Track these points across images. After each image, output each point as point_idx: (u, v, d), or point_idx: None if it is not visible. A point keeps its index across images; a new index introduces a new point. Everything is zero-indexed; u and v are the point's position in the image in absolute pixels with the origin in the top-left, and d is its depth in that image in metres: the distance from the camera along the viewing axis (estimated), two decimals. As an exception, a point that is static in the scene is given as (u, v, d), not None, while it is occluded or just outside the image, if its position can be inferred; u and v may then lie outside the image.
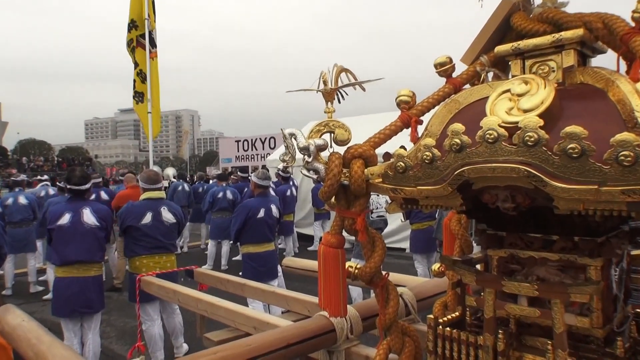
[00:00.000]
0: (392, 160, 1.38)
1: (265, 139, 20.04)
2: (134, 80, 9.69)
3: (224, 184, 10.04)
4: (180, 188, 11.29)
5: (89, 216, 4.43)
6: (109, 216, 4.67)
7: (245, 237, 5.43)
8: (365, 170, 1.43)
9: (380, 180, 1.40)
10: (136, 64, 9.59)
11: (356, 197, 1.48)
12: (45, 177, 10.67)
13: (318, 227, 11.15)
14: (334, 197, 1.52)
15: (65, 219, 4.35)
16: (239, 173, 11.52)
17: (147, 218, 4.51)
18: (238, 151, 21.18)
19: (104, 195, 8.45)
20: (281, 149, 13.25)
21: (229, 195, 9.58)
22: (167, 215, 4.65)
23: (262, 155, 19.64)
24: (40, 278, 8.49)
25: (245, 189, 9.79)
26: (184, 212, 10.49)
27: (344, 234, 1.57)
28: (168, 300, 3.87)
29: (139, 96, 9.63)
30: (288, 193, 9.78)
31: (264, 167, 14.17)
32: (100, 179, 9.25)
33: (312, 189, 10.75)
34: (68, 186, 4.49)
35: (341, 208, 1.52)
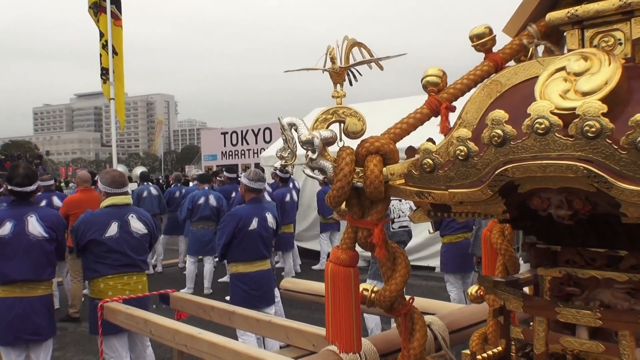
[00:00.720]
0: (417, 156, 1.38)
1: (259, 130, 20.08)
2: (100, 55, 9.75)
3: (207, 187, 10.07)
4: (145, 193, 11.20)
5: (34, 225, 4.43)
6: (60, 224, 4.68)
7: (234, 254, 5.44)
8: (384, 169, 1.44)
9: (403, 181, 1.40)
10: (101, 34, 9.64)
11: (373, 203, 1.48)
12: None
13: (325, 240, 11.17)
14: (344, 203, 1.53)
15: (6, 229, 4.36)
16: (225, 173, 11.56)
17: (113, 229, 4.52)
18: (225, 146, 21.23)
19: (56, 201, 8.45)
20: (279, 143, 13.26)
21: (213, 201, 9.61)
22: (137, 225, 4.67)
23: (255, 151, 19.67)
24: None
25: (234, 194, 9.81)
26: (155, 221, 10.52)
27: (358, 248, 1.58)
28: (138, 333, 3.89)
29: (106, 73, 9.70)
30: (287, 198, 9.80)
31: (257, 165, 14.20)
32: (53, 181, 9.27)
33: (317, 193, 10.75)
34: (9, 187, 4.51)
35: (354, 217, 1.52)
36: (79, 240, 4.55)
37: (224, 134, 21.68)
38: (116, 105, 9.81)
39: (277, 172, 10.15)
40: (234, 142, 20.90)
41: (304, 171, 1.54)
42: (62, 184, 24.56)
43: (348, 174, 1.45)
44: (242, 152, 20.64)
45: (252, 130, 20.34)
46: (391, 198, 1.54)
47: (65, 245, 4.84)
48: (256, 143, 20.04)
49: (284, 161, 1.54)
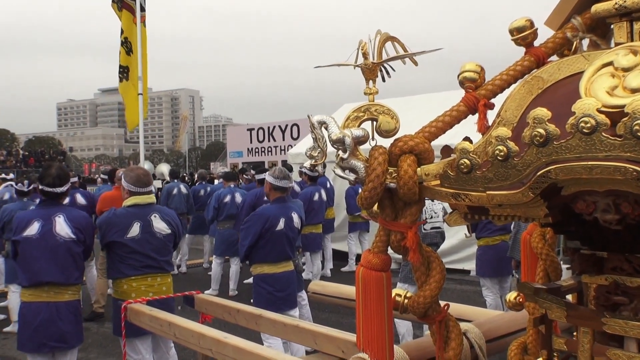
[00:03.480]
0: (453, 156, 1.37)
1: (286, 126, 20.15)
2: (120, 52, 9.86)
3: (233, 185, 10.15)
4: (175, 191, 11.45)
5: (62, 226, 4.50)
6: (88, 226, 4.74)
7: (260, 255, 5.46)
8: (418, 169, 1.43)
9: (438, 182, 1.40)
10: (121, 30, 9.74)
11: (406, 205, 1.48)
12: (11, 175, 10.92)
13: (353, 240, 11.15)
14: (376, 205, 1.53)
15: (34, 228, 4.44)
16: (252, 172, 11.62)
17: (135, 230, 4.58)
18: (251, 142, 21.37)
19: (80, 199, 8.61)
20: (307, 141, 13.29)
21: (239, 199, 9.67)
22: (160, 225, 4.72)
23: (282, 148, 19.75)
24: (0, 304, 8.74)
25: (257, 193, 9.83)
26: (182, 220, 10.65)
27: (390, 251, 1.57)
28: (162, 335, 3.94)
29: (123, 72, 9.78)
30: (316, 197, 9.80)
31: (284, 163, 14.24)
32: (77, 179, 9.46)
33: (346, 190, 10.75)
34: (40, 187, 4.60)
35: (386, 219, 1.52)
36: (102, 239, 4.64)
37: (250, 130, 21.82)
38: (127, 106, 9.89)
39: (305, 170, 10.16)
40: (261, 138, 21.01)
41: (334, 171, 1.54)
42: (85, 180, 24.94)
43: (380, 175, 1.45)
44: (269, 149, 20.74)
45: (279, 127, 20.41)
46: (425, 199, 1.53)
47: (91, 249, 4.89)
48: (283, 140, 20.11)
49: (313, 161, 1.55)
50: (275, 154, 20.33)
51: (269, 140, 20.79)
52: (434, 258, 1.58)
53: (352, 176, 1.51)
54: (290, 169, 10.46)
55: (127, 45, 9.67)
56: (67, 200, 8.18)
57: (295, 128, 19.77)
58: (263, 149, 20.96)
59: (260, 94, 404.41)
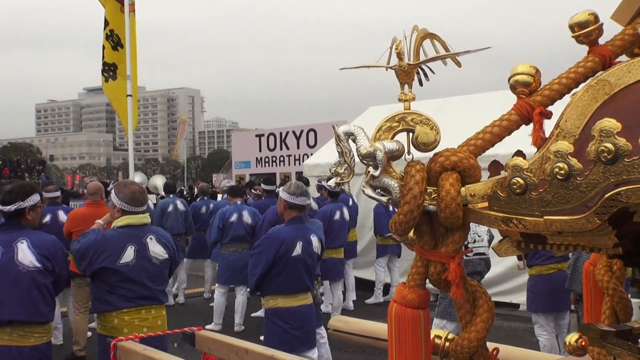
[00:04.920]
0: (504, 173, 1.37)
1: (302, 132, 20.21)
2: (103, 47, 9.88)
3: (239, 202, 10.18)
4: (171, 208, 11.41)
5: (25, 253, 4.41)
6: (58, 252, 4.66)
7: (273, 285, 5.45)
8: (463, 189, 1.43)
9: (486, 205, 1.40)
10: (106, 22, 9.77)
11: (448, 231, 1.48)
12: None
13: (382, 267, 11.09)
14: (412, 231, 1.53)
15: None
16: (262, 185, 11.66)
17: (129, 254, 4.59)
18: (260, 151, 21.45)
19: (62, 216, 8.57)
20: (327, 149, 13.31)
21: (247, 217, 9.68)
22: (156, 249, 4.74)
23: (297, 158, 19.80)
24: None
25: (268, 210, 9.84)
26: (179, 243, 10.67)
27: (427, 284, 1.57)
28: (157, 378, 3.95)
29: (109, 70, 9.81)
30: (337, 216, 9.79)
31: (299, 175, 14.27)
32: (59, 193, 9.50)
33: (375, 207, 10.72)
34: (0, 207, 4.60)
35: (424, 247, 1.52)
36: (88, 266, 4.59)
37: (259, 136, 21.92)
38: (118, 110, 9.95)
39: (326, 184, 10.15)
40: (272, 146, 21.09)
41: (363, 191, 1.54)
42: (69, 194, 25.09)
43: (418, 195, 1.45)
44: (281, 159, 20.80)
45: (294, 132, 20.47)
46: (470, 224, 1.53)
47: (64, 279, 4.83)
48: (298, 148, 20.15)
49: (339, 178, 1.55)
50: (289, 165, 20.38)
51: (281, 149, 20.85)
52: (480, 293, 1.58)
53: (384, 197, 1.51)
54: (307, 183, 10.43)
55: (113, 39, 9.72)
56: (47, 218, 8.29)
57: (312, 134, 19.81)
58: (274, 159, 21.03)
59: (271, 95, 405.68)
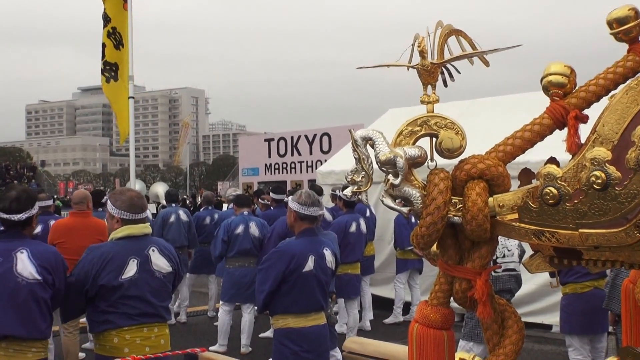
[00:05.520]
0: (535, 182, 1.38)
1: (315, 136, 20.23)
2: (103, 45, 9.95)
3: (247, 212, 10.20)
4: (173, 218, 11.43)
5: (25, 264, 4.44)
6: (59, 265, 4.68)
7: (283, 304, 5.44)
8: (490, 199, 1.44)
9: (516, 216, 1.40)
10: (107, 18, 9.83)
11: (474, 245, 1.48)
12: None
13: (402, 284, 11.05)
14: (436, 244, 1.53)
15: None
16: (271, 194, 11.67)
17: (131, 268, 4.59)
18: (269, 157, 21.49)
19: (55, 227, 8.82)
20: (342, 155, 13.32)
21: (255, 230, 9.68)
22: (159, 261, 4.74)
23: (310, 164, 19.81)
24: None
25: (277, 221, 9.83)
26: (181, 256, 10.65)
27: (452, 302, 1.57)
28: (157, 403, 3.97)
29: (110, 70, 9.86)
30: (352, 228, 9.76)
31: (312, 183, 14.28)
32: (51, 202, 9.56)
33: (395, 219, 10.70)
34: (5, 216, 4.64)
35: (449, 262, 1.52)
36: (90, 288, 4.58)
37: (269, 141, 21.94)
38: (117, 113, 10.01)
39: (341, 194, 10.14)
40: (282, 151, 21.11)
41: (382, 201, 1.55)
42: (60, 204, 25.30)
43: (442, 206, 1.45)
44: (292, 166, 20.81)
45: (306, 137, 20.48)
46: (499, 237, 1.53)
47: (62, 295, 4.84)
48: (311, 153, 20.16)
49: (356, 187, 1.56)
50: (301, 172, 20.38)
51: (292, 154, 20.86)
52: (509, 313, 1.58)
53: (405, 208, 1.52)
54: (320, 192, 10.43)
55: (115, 37, 9.77)
56: (39, 229, 8.33)
57: (325, 138, 19.81)
58: (285, 165, 21.04)
59: (282, 96, 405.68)
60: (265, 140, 22.34)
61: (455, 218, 1.48)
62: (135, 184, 11.40)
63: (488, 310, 1.48)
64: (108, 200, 4.93)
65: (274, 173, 21.20)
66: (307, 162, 20.19)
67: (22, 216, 4.54)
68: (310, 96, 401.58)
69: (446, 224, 1.47)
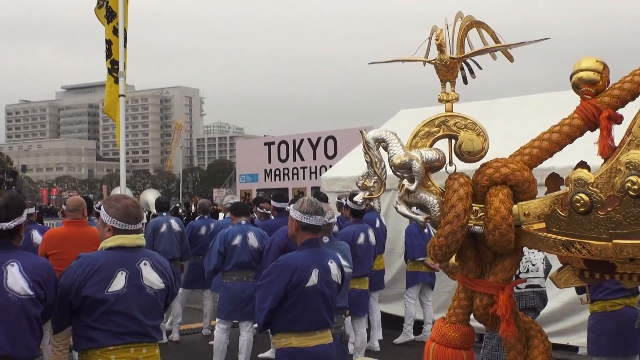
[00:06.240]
0: (564, 189, 1.37)
1: (319, 140, 20.23)
2: (109, 42, 10.02)
3: (245, 222, 10.20)
4: (164, 228, 11.39)
5: (16, 278, 4.47)
6: (51, 278, 4.69)
7: (285, 321, 5.43)
8: (515, 207, 1.43)
9: (543, 226, 1.39)
10: (112, 14, 9.89)
11: (497, 257, 1.47)
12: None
13: (412, 298, 10.99)
14: (455, 256, 1.52)
15: None
16: (272, 202, 11.68)
17: (119, 282, 4.58)
18: (270, 162, 21.49)
19: (37, 237, 8.59)
20: (348, 160, 13.32)
21: (254, 241, 9.67)
22: (151, 276, 4.73)
23: (313, 170, 19.81)
24: None
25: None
26: (175, 268, 10.63)
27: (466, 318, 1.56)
28: None
29: (117, 69, 9.94)
30: (360, 239, 9.74)
31: (316, 191, 14.29)
32: (34, 209, 9.56)
33: (407, 228, 10.68)
34: None
35: (469, 275, 1.52)
36: (73, 299, 4.60)
37: (269, 144, 21.95)
38: (109, 112, 10.05)
39: (347, 202, 10.13)
40: (283, 156, 21.12)
41: (396, 208, 1.54)
42: (42, 212, 25.36)
43: (462, 214, 1.45)
44: (295, 171, 20.81)
45: (309, 140, 20.49)
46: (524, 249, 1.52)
47: (52, 309, 4.85)
48: (314, 158, 20.17)
49: (367, 193, 1.55)
50: (303, 178, 20.38)
51: (294, 159, 20.86)
52: (535, 332, 1.57)
53: (421, 216, 1.51)
54: (325, 200, 10.43)
55: (124, 35, 9.89)
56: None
57: (330, 142, 19.82)
58: (286, 171, 21.05)
59: (283, 96, 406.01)
60: (265, 144, 22.33)
61: (476, 227, 1.47)
62: (124, 191, 11.41)
63: (512, 329, 1.48)
64: (102, 207, 4.92)
65: (275, 179, 21.19)
66: (310, 167, 20.19)
67: (11, 224, 4.51)
68: (314, 96, 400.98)
69: (466, 233, 1.46)
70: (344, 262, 6.18)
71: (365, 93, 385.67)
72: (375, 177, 1.52)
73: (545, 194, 1.46)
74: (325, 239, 6.19)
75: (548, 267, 6.41)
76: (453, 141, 1.54)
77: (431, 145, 1.52)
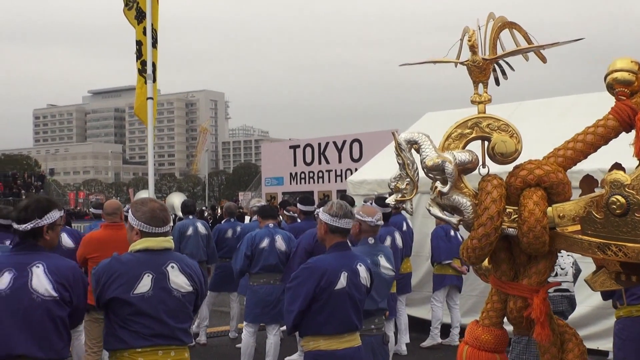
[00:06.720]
0: (599, 191, 1.36)
1: (344, 143, 20.24)
2: (139, 43, 10.08)
3: (272, 225, 10.20)
4: (191, 231, 11.44)
5: (41, 280, 4.50)
6: (78, 281, 4.74)
7: (314, 324, 5.42)
8: (549, 209, 1.42)
9: (578, 228, 1.38)
10: (142, 14, 9.95)
11: (531, 259, 1.46)
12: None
13: (439, 301, 10.93)
14: (488, 258, 1.51)
15: (3, 282, 4.49)
16: (298, 205, 11.67)
17: (145, 284, 4.60)
18: (295, 165, 21.52)
19: (66, 240, 8.73)
20: (374, 164, 13.30)
21: (281, 244, 9.67)
22: (178, 279, 4.74)
23: (339, 173, 19.83)
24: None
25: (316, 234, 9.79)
26: (202, 271, 10.67)
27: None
28: None
29: (146, 70, 10.00)
30: (387, 242, 9.70)
31: (342, 193, 14.27)
32: (62, 212, 9.62)
33: (434, 231, 10.64)
34: (15, 226, 4.70)
35: (502, 278, 1.51)
36: (99, 295, 4.65)
37: (294, 147, 21.98)
38: (139, 114, 10.13)
39: (374, 204, 10.10)
40: (308, 159, 21.15)
41: (429, 210, 1.54)
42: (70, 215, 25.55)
43: (495, 216, 1.44)
44: (320, 175, 20.83)
45: (334, 143, 20.51)
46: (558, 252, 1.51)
47: (82, 312, 4.89)
48: (340, 161, 20.19)
49: (400, 195, 1.55)
50: (329, 182, 20.40)
51: (319, 162, 20.89)
52: (569, 335, 1.55)
53: (454, 218, 1.50)
54: (352, 203, 10.42)
55: (152, 35, 9.96)
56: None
57: (356, 145, 19.82)
58: (311, 174, 21.07)
59: (307, 98, 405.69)
60: (290, 147, 22.38)
61: (510, 230, 1.46)
62: (141, 193, 11.45)
63: (547, 332, 1.46)
64: (129, 211, 4.95)
65: (300, 183, 21.22)
66: (335, 170, 20.21)
67: (27, 226, 4.56)
68: (339, 100, 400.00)
69: (500, 236, 1.45)
70: (387, 265, 6.24)
71: (389, 97, 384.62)
72: (408, 179, 1.52)
73: (580, 196, 1.45)
74: (371, 240, 6.21)
75: (577, 271, 6.35)
76: (486, 143, 1.53)
77: (464, 147, 1.52)
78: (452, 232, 10.57)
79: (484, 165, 1.52)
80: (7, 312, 4.41)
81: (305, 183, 21.05)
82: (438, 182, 1.48)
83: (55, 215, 4.73)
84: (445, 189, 1.47)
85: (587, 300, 9.04)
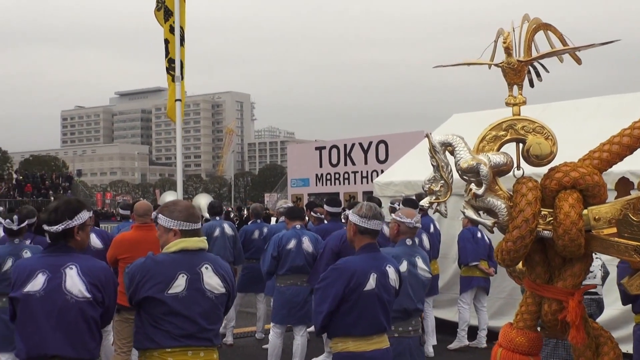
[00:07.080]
0: (636, 193, 1.35)
1: (370, 144, 20.20)
2: (166, 41, 10.16)
3: (299, 226, 10.20)
4: (217, 232, 11.47)
5: (74, 281, 4.54)
6: (110, 282, 4.78)
7: (342, 325, 5.42)
8: (585, 211, 1.41)
9: (614, 230, 1.37)
10: (168, 13, 10.03)
11: (567, 262, 1.46)
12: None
13: (466, 303, 10.87)
14: (522, 261, 1.51)
15: (38, 283, 4.54)
16: (325, 207, 11.66)
17: (179, 284, 4.61)
18: (321, 166, 21.52)
19: (95, 240, 8.81)
20: (401, 165, 13.26)
21: (308, 245, 9.67)
22: (212, 281, 4.74)
23: (365, 175, 19.80)
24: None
25: (343, 235, 9.78)
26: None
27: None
28: None
29: (175, 69, 10.14)
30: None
31: (369, 195, 14.25)
32: (91, 214, 9.68)
33: (461, 233, 10.60)
34: (46, 228, 4.75)
35: (537, 281, 1.50)
36: (133, 294, 4.67)
37: (320, 149, 21.98)
38: (171, 115, 10.21)
39: (400, 206, 10.06)
40: (334, 160, 21.14)
41: (464, 212, 1.54)
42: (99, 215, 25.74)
43: (530, 219, 1.44)
44: (346, 176, 20.82)
45: (360, 145, 20.49)
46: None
47: (113, 312, 4.93)
48: (366, 163, 20.16)
49: (434, 197, 1.55)
50: (355, 183, 20.38)
51: (345, 164, 20.87)
52: (605, 339, 1.55)
53: (489, 220, 1.50)
54: (379, 204, 10.39)
55: (181, 34, 10.03)
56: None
57: (382, 147, 19.78)
58: (337, 176, 21.06)
59: (333, 99, 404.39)
60: (316, 148, 22.38)
61: (545, 232, 1.46)
62: (167, 196, 11.48)
63: (582, 335, 1.46)
64: (159, 215, 4.94)
65: (326, 184, 21.21)
66: (361, 172, 20.18)
67: (59, 227, 4.60)
68: (365, 101, 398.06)
69: (535, 238, 1.45)
70: (424, 267, 6.26)
71: (415, 99, 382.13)
72: (442, 181, 1.52)
73: (615, 198, 1.44)
74: (409, 241, 6.22)
75: (606, 274, 6.30)
76: (521, 145, 1.52)
77: (498, 149, 1.51)
78: (479, 234, 10.54)
79: (518, 167, 1.52)
80: (42, 313, 4.47)
81: (331, 184, 21.04)
82: (473, 184, 1.47)
83: (85, 215, 4.78)
84: (480, 191, 1.46)
85: (615, 303, 8.94)
